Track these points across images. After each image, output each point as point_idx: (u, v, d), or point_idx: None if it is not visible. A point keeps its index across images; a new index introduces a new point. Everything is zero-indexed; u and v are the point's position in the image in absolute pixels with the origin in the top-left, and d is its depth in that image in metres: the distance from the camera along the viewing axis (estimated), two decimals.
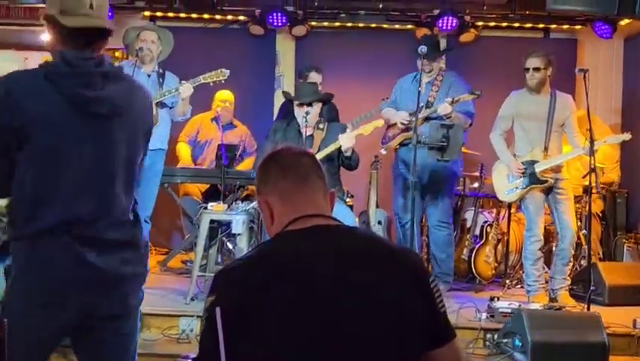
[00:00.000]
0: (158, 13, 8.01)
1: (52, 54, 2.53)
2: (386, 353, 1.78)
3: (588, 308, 5.29)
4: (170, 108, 5.96)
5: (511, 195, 5.92)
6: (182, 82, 5.80)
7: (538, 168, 5.71)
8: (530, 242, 5.79)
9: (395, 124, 6.15)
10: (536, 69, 5.74)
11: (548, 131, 5.77)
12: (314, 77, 6.75)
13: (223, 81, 5.87)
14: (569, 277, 5.87)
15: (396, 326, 1.80)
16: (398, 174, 6.29)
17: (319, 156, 5.51)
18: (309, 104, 5.68)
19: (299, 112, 5.68)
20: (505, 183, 5.94)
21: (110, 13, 7.89)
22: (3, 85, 2.36)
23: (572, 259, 5.86)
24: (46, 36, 8.22)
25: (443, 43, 7.80)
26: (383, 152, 6.28)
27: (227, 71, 5.83)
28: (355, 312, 1.78)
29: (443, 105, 5.75)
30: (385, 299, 1.81)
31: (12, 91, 2.35)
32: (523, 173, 5.76)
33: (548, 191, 5.78)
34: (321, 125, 5.76)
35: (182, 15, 8.00)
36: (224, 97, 7.13)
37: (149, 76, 5.84)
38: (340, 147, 5.56)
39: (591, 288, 5.45)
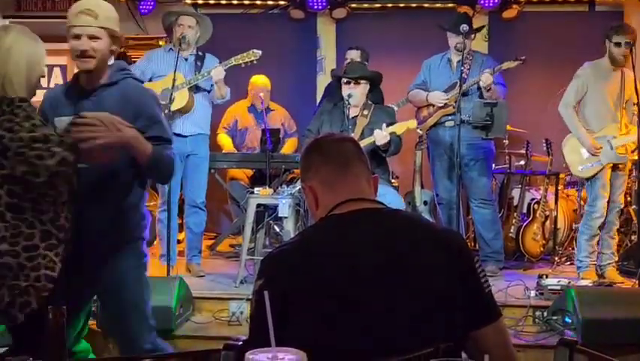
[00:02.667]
0: (200, 1, 8.08)
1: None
2: (429, 333, 1.80)
3: (639, 284, 5.22)
4: (209, 92, 5.97)
5: (586, 171, 5.73)
6: (215, 65, 5.78)
7: (615, 145, 5.59)
8: (592, 218, 5.68)
9: (427, 106, 6.10)
10: (628, 43, 5.57)
11: (621, 107, 5.67)
12: (353, 54, 6.76)
13: (255, 62, 5.79)
14: (615, 253, 5.79)
15: (439, 306, 1.82)
16: (432, 155, 6.25)
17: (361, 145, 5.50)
18: (356, 82, 5.67)
19: (344, 92, 5.67)
20: (579, 158, 5.74)
21: (152, 3, 8.01)
22: None
23: (617, 233, 5.80)
24: None
25: (485, 21, 7.73)
26: (419, 131, 6.21)
27: (259, 52, 5.74)
28: (398, 293, 1.81)
29: (485, 75, 5.70)
30: (428, 280, 1.83)
31: None
32: (600, 152, 5.66)
33: (614, 167, 5.70)
34: (365, 112, 5.69)
35: (223, 1, 8.05)
36: (263, 82, 7.15)
37: (186, 60, 5.85)
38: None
39: None
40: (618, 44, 5.61)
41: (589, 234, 5.72)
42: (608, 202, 5.70)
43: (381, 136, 5.41)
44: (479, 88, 5.84)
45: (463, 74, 5.85)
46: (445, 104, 5.92)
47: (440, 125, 6.04)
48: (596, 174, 5.70)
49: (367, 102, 5.74)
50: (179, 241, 6.33)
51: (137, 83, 3.18)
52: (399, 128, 5.49)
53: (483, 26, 6.40)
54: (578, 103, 5.80)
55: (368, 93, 5.76)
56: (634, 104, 5.39)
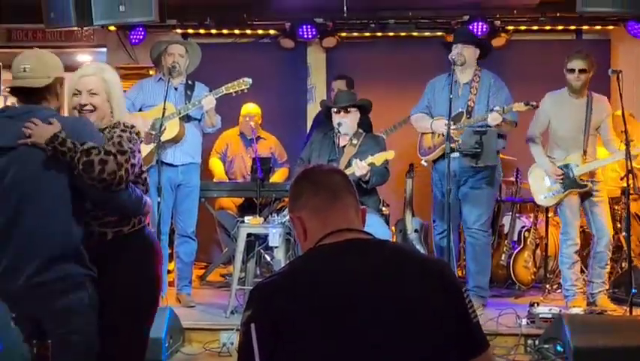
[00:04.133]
0: (190, 31, 8.11)
1: None
2: None
3: (630, 312, 5.22)
4: (199, 121, 5.97)
5: (549, 200, 5.83)
6: (205, 94, 5.78)
7: (577, 173, 5.64)
8: (566, 245, 5.73)
9: (431, 134, 5.90)
10: (582, 71, 5.60)
11: (586, 135, 5.68)
12: (338, 84, 6.79)
13: (246, 90, 5.78)
14: (607, 281, 5.78)
15: (428, 336, 1.82)
16: (434, 184, 6.05)
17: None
18: (346, 111, 5.69)
19: (335, 121, 5.69)
20: (542, 186, 5.85)
21: (142, 33, 8.05)
22: None
23: (609, 262, 5.77)
24: (83, 57, 8.25)
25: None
26: (424, 164, 6.00)
27: (249, 80, 5.74)
28: (387, 324, 1.80)
29: (493, 115, 5.49)
30: (416, 311, 1.83)
31: None
32: (562, 179, 5.69)
33: (584, 194, 5.71)
34: (354, 141, 5.71)
35: (214, 31, 8.09)
36: (249, 111, 7.18)
37: (176, 89, 5.86)
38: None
39: (633, 291, 5.37)
40: (571, 71, 5.64)
41: (568, 263, 5.72)
42: (592, 232, 5.72)
43: (359, 167, 5.41)
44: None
45: (469, 102, 5.75)
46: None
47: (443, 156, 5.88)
48: (560, 201, 5.73)
49: (358, 130, 5.76)
50: (169, 271, 6.29)
51: None
52: (377, 159, 5.49)
53: (489, 47, 6.24)
54: (543, 133, 5.85)
55: (359, 121, 5.78)
56: (622, 131, 5.41)
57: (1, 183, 2.89)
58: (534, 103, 5.58)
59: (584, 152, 5.67)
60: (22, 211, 2.87)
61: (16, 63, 3.02)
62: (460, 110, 5.74)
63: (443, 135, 5.66)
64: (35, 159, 2.89)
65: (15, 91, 3.06)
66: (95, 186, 2.90)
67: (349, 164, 5.54)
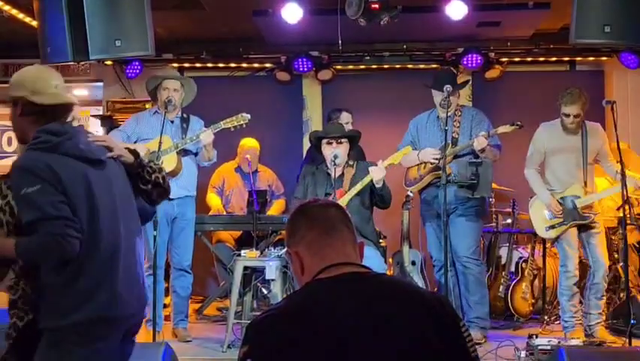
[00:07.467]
0: (186, 64, 8.17)
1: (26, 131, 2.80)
2: None
3: (630, 343, 5.18)
4: (195, 155, 5.99)
5: (551, 232, 5.78)
6: (203, 128, 5.81)
7: (579, 204, 5.64)
8: (566, 278, 5.70)
9: (417, 166, 5.98)
10: (577, 116, 5.65)
11: (585, 165, 5.70)
12: (345, 117, 6.81)
13: (244, 125, 5.80)
14: (604, 312, 5.75)
15: None
16: (423, 215, 6.11)
17: (352, 193, 5.60)
18: (338, 142, 5.72)
19: (328, 152, 5.71)
20: (543, 219, 5.81)
21: (139, 67, 8.07)
22: None
23: (605, 294, 5.74)
24: (79, 92, 8.20)
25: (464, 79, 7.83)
26: (410, 194, 6.08)
27: (248, 115, 5.77)
28: (384, 359, 1.79)
29: (479, 139, 5.59)
30: (414, 345, 1.82)
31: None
32: (562, 213, 5.68)
33: (583, 226, 5.70)
34: (350, 162, 5.81)
35: (210, 65, 8.14)
36: (250, 145, 7.19)
37: (172, 122, 5.86)
38: (372, 181, 5.57)
39: (632, 322, 5.34)
40: (567, 115, 5.67)
41: (567, 294, 5.69)
42: (589, 263, 5.70)
43: (377, 171, 5.51)
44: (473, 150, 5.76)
45: (454, 134, 5.79)
46: (437, 166, 5.73)
47: (432, 185, 5.93)
48: (562, 234, 5.72)
49: (349, 161, 5.80)
50: (165, 306, 6.24)
51: (24, 156, 2.74)
52: (395, 158, 5.57)
53: (468, 81, 6.38)
54: (540, 165, 5.87)
55: (349, 152, 5.83)
56: (617, 162, 5.42)
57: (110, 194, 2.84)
58: (519, 123, 5.66)
59: (585, 183, 5.67)
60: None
61: None
62: (447, 142, 5.79)
63: (430, 164, 5.83)
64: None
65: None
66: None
67: (354, 180, 5.64)
